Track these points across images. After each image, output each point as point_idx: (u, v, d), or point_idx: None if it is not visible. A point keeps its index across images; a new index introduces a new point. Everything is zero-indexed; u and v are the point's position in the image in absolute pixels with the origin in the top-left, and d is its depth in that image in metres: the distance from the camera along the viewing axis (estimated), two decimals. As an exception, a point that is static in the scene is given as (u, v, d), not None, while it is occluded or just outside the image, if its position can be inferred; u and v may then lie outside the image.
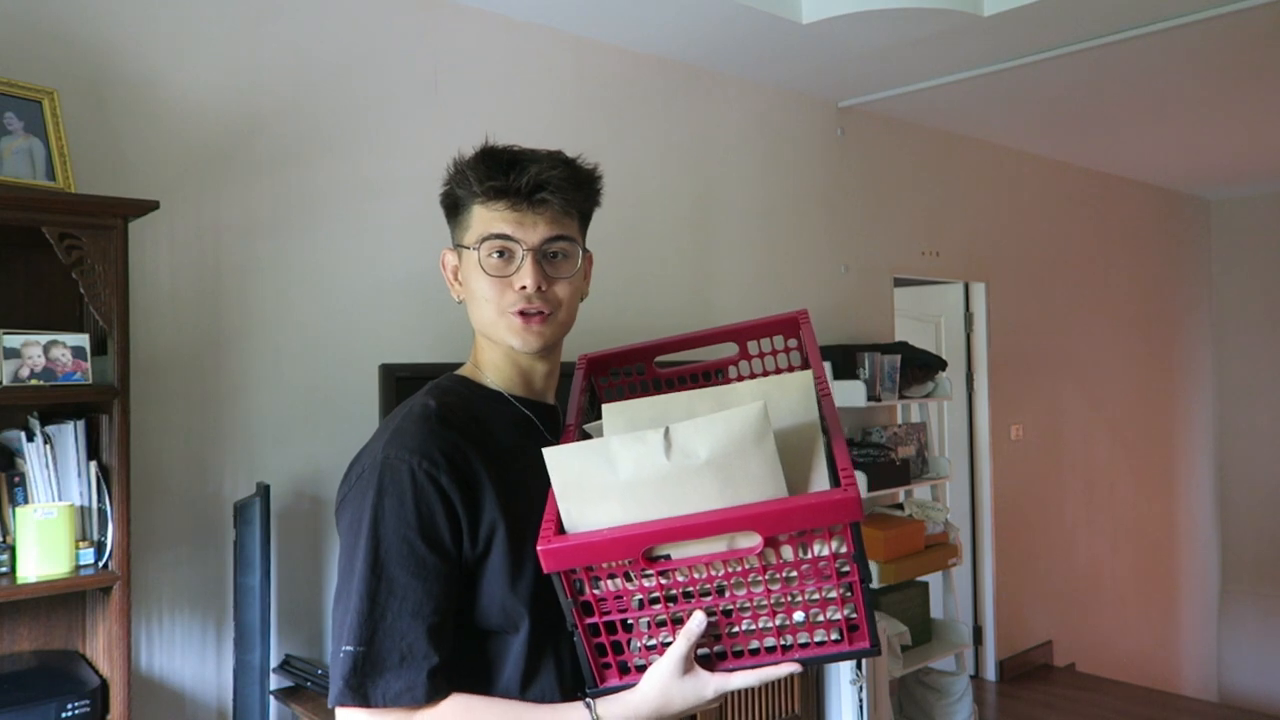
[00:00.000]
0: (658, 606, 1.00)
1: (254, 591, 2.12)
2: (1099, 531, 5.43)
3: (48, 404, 1.94)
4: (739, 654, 1.03)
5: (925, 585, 3.88)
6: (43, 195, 1.84)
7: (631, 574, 0.99)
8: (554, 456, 0.98)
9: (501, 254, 1.12)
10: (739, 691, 1.10)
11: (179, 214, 2.30)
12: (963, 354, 4.76)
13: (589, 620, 1.00)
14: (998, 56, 3.38)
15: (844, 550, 0.98)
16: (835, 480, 1.02)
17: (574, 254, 1.16)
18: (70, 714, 1.80)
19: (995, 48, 3.28)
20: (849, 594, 1.00)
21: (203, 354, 2.35)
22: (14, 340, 1.81)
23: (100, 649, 1.98)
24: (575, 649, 1.09)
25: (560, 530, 0.99)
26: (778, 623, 1.01)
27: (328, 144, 2.56)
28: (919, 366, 3.86)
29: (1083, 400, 5.34)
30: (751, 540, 0.96)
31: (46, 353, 1.83)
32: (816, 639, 1.02)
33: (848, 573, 0.99)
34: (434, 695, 1.00)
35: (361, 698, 0.99)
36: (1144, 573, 5.76)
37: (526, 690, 1.08)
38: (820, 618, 1.00)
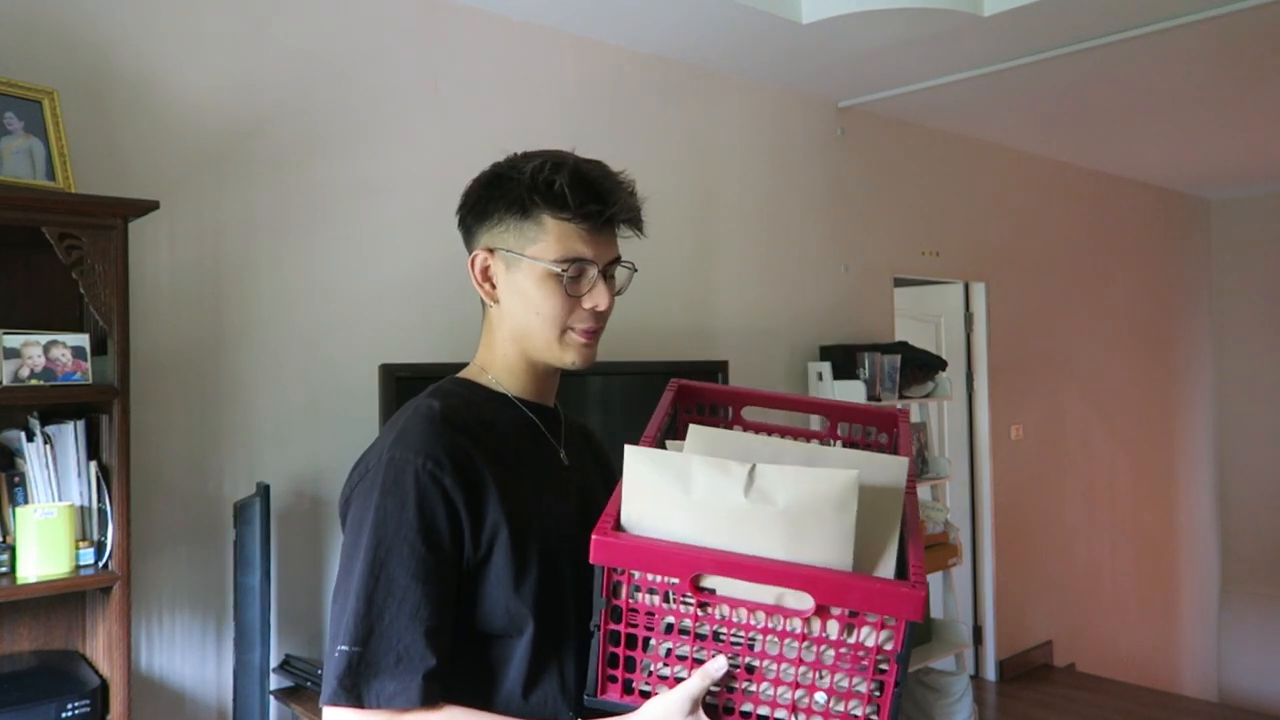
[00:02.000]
0: (685, 639, 0.97)
1: (254, 591, 2.12)
2: (1099, 531, 5.43)
3: (48, 404, 1.94)
4: (746, 716, 0.98)
5: (925, 585, 3.88)
6: (43, 195, 1.84)
7: (672, 595, 0.96)
8: (633, 456, 0.98)
9: (577, 275, 1.12)
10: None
11: (179, 214, 2.30)
12: (963, 354, 4.76)
13: (612, 626, 0.98)
14: (998, 56, 3.37)
15: (890, 647, 0.93)
16: (903, 574, 1.00)
17: (619, 273, 1.19)
18: (70, 714, 1.80)
19: (995, 48, 3.28)
20: (878, 693, 0.95)
21: (203, 354, 2.35)
22: (14, 340, 1.81)
23: (100, 649, 1.98)
24: (579, 655, 1.09)
25: (617, 527, 0.98)
26: (796, 697, 0.96)
27: (328, 144, 2.56)
28: (919, 366, 3.86)
29: (1083, 400, 5.34)
30: (803, 603, 0.93)
31: (46, 353, 1.83)
32: None
33: (885, 671, 0.94)
34: (428, 698, 0.99)
35: (355, 698, 0.99)
36: (1144, 572, 5.76)
37: (529, 695, 1.08)
38: (841, 707, 0.95)
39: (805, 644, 0.94)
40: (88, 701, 1.83)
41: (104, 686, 1.90)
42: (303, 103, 2.52)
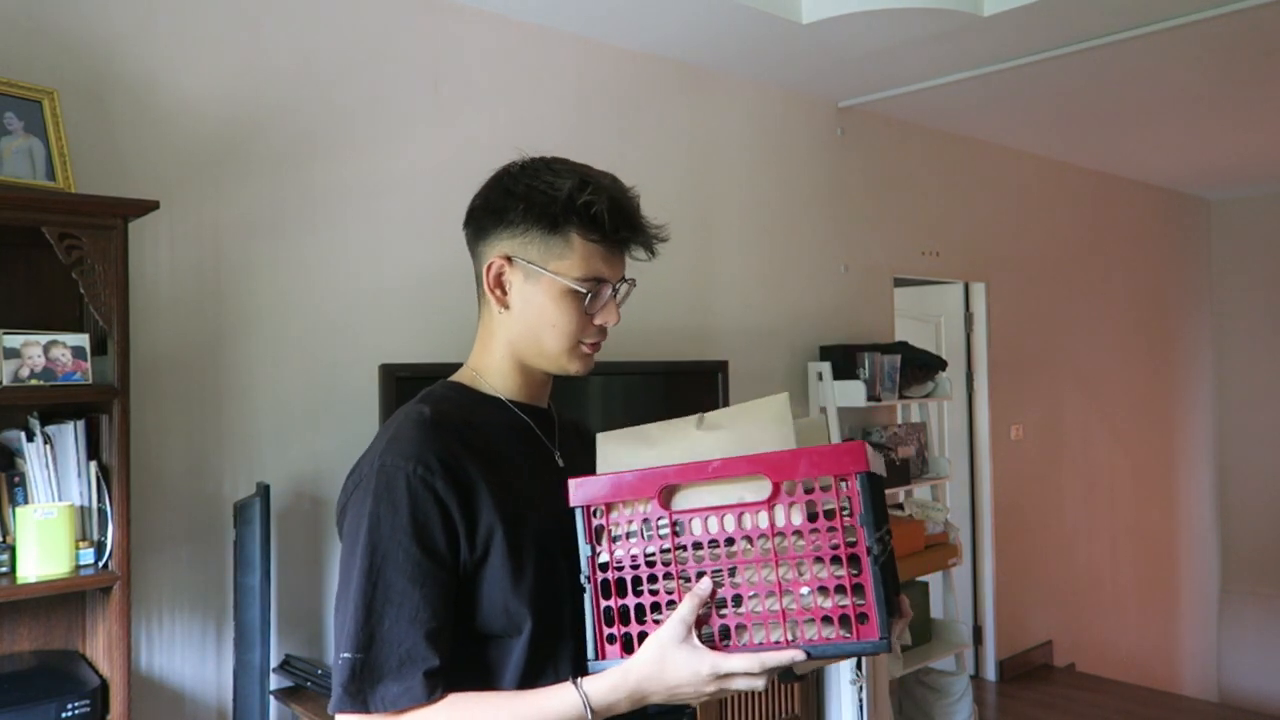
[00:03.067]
0: (671, 582, 1.01)
1: (254, 591, 2.12)
2: (1099, 531, 5.43)
3: (48, 404, 1.94)
4: (741, 635, 1.00)
5: (925, 585, 3.88)
6: (43, 195, 1.84)
7: (649, 523, 1.02)
8: (602, 439, 1.09)
9: (595, 294, 1.15)
10: (739, 694, 1.08)
11: (179, 214, 2.30)
12: (963, 354, 4.76)
13: (602, 577, 1.03)
14: (998, 56, 3.37)
15: (850, 513, 0.97)
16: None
17: (623, 289, 1.22)
18: (70, 714, 1.80)
19: (995, 48, 3.28)
20: (857, 574, 0.96)
21: (203, 354, 2.35)
22: (14, 340, 1.81)
23: (100, 649, 1.98)
24: (577, 656, 1.09)
25: None
26: (784, 604, 0.98)
27: (328, 144, 2.56)
28: (919, 366, 3.86)
29: (1083, 400, 5.34)
30: (761, 491, 0.98)
31: (46, 353, 1.83)
32: (825, 633, 0.97)
33: (855, 544, 0.96)
34: (432, 692, 1.00)
35: (361, 704, 1.00)
36: (1144, 572, 5.76)
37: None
38: (828, 601, 0.97)
39: (776, 539, 0.99)
40: (88, 701, 1.83)
41: (104, 686, 1.90)
42: (303, 103, 2.52)
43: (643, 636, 1.01)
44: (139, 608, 2.20)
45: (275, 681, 2.34)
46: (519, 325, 1.16)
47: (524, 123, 2.94)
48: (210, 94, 2.38)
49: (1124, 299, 5.69)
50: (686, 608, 0.98)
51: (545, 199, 1.12)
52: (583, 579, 1.03)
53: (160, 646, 2.27)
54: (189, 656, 2.31)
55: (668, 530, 1.01)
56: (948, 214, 4.49)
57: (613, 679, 0.99)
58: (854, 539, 0.97)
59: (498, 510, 1.07)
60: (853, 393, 3.58)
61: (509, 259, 1.15)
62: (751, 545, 0.99)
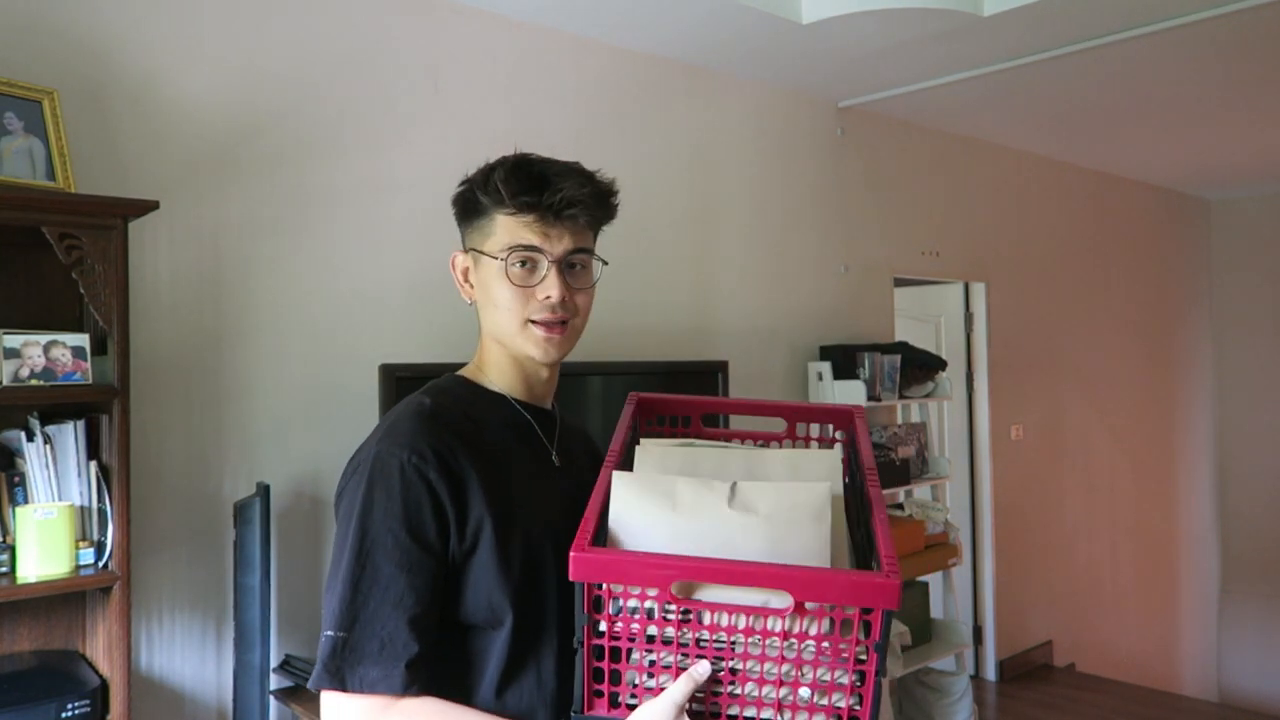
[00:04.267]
0: (668, 648, 0.98)
1: (254, 591, 2.12)
2: (1099, 531, 5.43)
3: (48, 404, 1.94)
4: (734, 718, 0.99)
5: (925, 585, 3.88)
6: (43, 195, 1.84)
7: (654, 608, 0.98)
8: (620, 481, 1.03)
9: (525, 264, 1.14)
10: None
11: (179, 214, 2.30)
12: (963, 354, 4.76)
13: (596, 642, 0.99)
14: (998, 56, 3.37)
15: (867, 638, 0.96)
16: (866, 563, 1.03)
17: (591, 265, 1.19)
18: (70, 714, 1.80)
19: (995, 48, 3.28)
20: (860, 684, 0.97)
21: (203, 354, 2.35)
22: (14, 340, 1.81)
23: (100, 649, 1.98)
24: (560, 655, 1.10)
25: (596, 543, 1.00)
26: (781, 695, 0.98)
27: (328, 144, 2.56)
28: (919, 366, 3.86)
29: (1083, 400, 5.34)
30: (783, 601, 0.94)
31: (46, 353, 1.83)
32: None
33: (864, 662, 0.96)
34: (410, 685, 1.01)
35: (339, 681, 1.01)
36: (1144, 573, 5.76)
37: (505, 690, 1.09)
38: (825, 701, 0.97)
39: (787, 643, 0.96)
40: (88, 701, 1.83)
41: (104, 686, 1.90)
42: (302, 103, 2.52)
43: (632, 707, 0.99)
44: (139, 608, 2.20)
45: (275, 681, 2.34)
46: (483, 314, 1.20)
47: (524, 123, 2.94)
48: (210, 94, 2.38)
49: (1124, 299, 5.69)
50: (680, 690, 0.96)
51: (472, 185, 1.17)
52: (575, 641, 1.00)
53: (160, 646, 2.27)
54: (189, 656, 2.31)
55: (674, 616, 0.98)
56: (948, 214, 4.49)
57: None
58: (863, 656, 0.96)
59: (489, 504, 1.08)
60: (853, 393, 3.57)
61: (466, 252, 1.20)
62: (761, 641, 0.97)
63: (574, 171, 1.16)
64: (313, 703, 2.27)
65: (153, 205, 1.94)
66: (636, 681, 1.01)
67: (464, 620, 1.09)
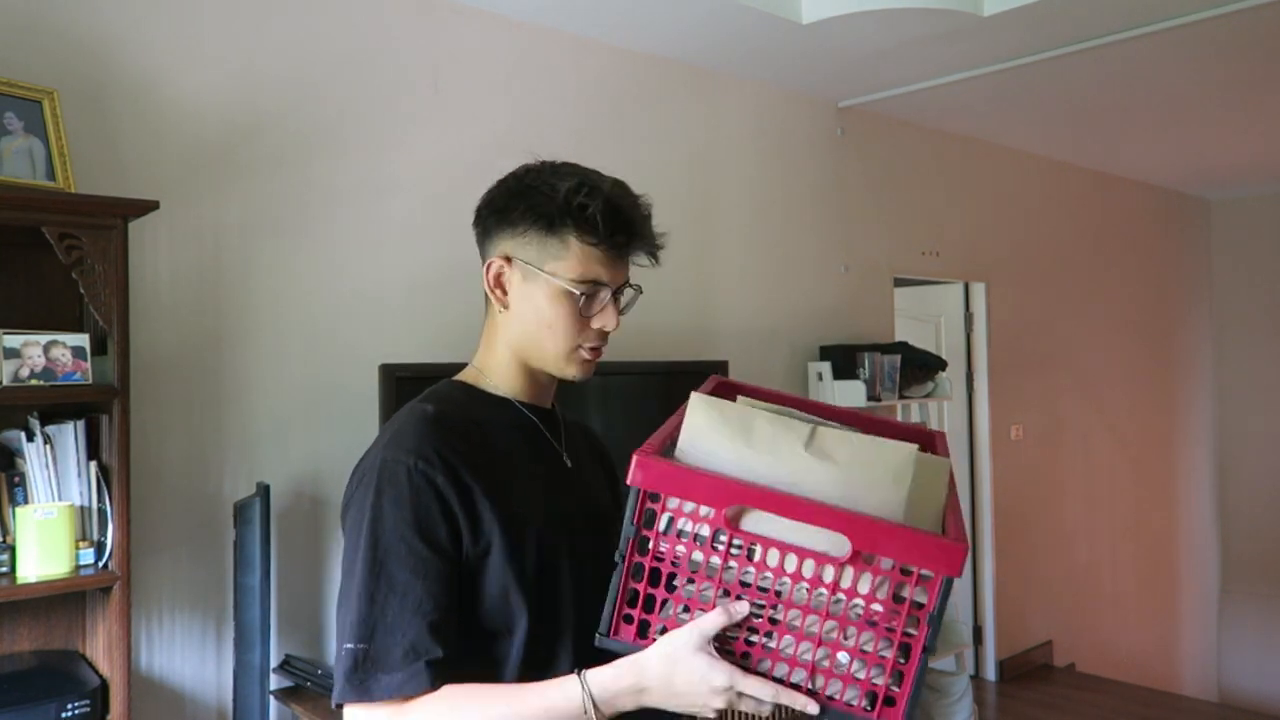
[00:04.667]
0: (711, 582, 0.95)
1: (254, 591, 2.12)
2: (1099, 531, 5.43)
3: (48, 404, 1.94)
4: (763, 674, 0.95)
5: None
6: (43, 195, 1.84)
7: (705, 532, 0.94)
8: (697, 402, 1.01)
9: (592, 296, 1.14)
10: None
11: (179, 214, 2.30)
12: (963, 354, 4.76)
13: (638, 559, 0.96)
14: (998, 56, 3.37)
15: (923, 605, 0.91)
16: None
17: (627, 294, 1.20)
18: (70, 714, 1.80)
19: (995, 48, 3.28)
20: (903, 662, 0.92)
21: (203, 354, 2.35)
22: (14, 340, 1.81)
23: (100, 649, 1.98)
24: (576, 656, 1.08)
25: (663, 454, 0.97)
26: (817, 658, 0.93)
27: (328, 144, 2.56)
28: (919, 366, 3.86)
29: (1083, 400, 5.34)
30: (840, 548, 0.90)
31: (46, 353, 1.83)
32: (847, 697, 0.93)
33: (913, 636, 0.91)
34: (435, 683, 1.00)
35: (364, 693, 1.00)
36: (1144, 572, 5.76)
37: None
38: (862, 674, 0.92)
39: (834, 598, 0.91)
40: (88, 701, 1.83)
41: (104, 686, 1.90)
42: (302, 103, 2.52)
43: (662, 630, 0.97)
44: (139, 608, 2.20)
45: (275, 681, 2.34)
46: (518, 326, 1.17)
47: (524, 123, 2.94)
48: (210, 94, 2.37)
49: (1124, 299, 5.69)
50: (711, 622, 0.94)
51: (544, 199, 1.12)
52: (617, 555, 0.97)
53: (160, 646, 2.27)
54: (189, 656, 2.31)
55: (725, 544, 0.94)
56: (948, 214, 4.49)
57: (618, 669, 0.97)
58: (913, 630, 0.92)
59: (498, 509, 1.07)
60: (853, 393, 3.57)
61: (508, 259, 1.16)
62: (808, 592, 0.93)
63: (647, 214, 1.17)
64: (312, 703, 2.27)
65: (153, 205, 1.94)
66: (672, 612, 0.97)
67: (479, 625, 1.08)
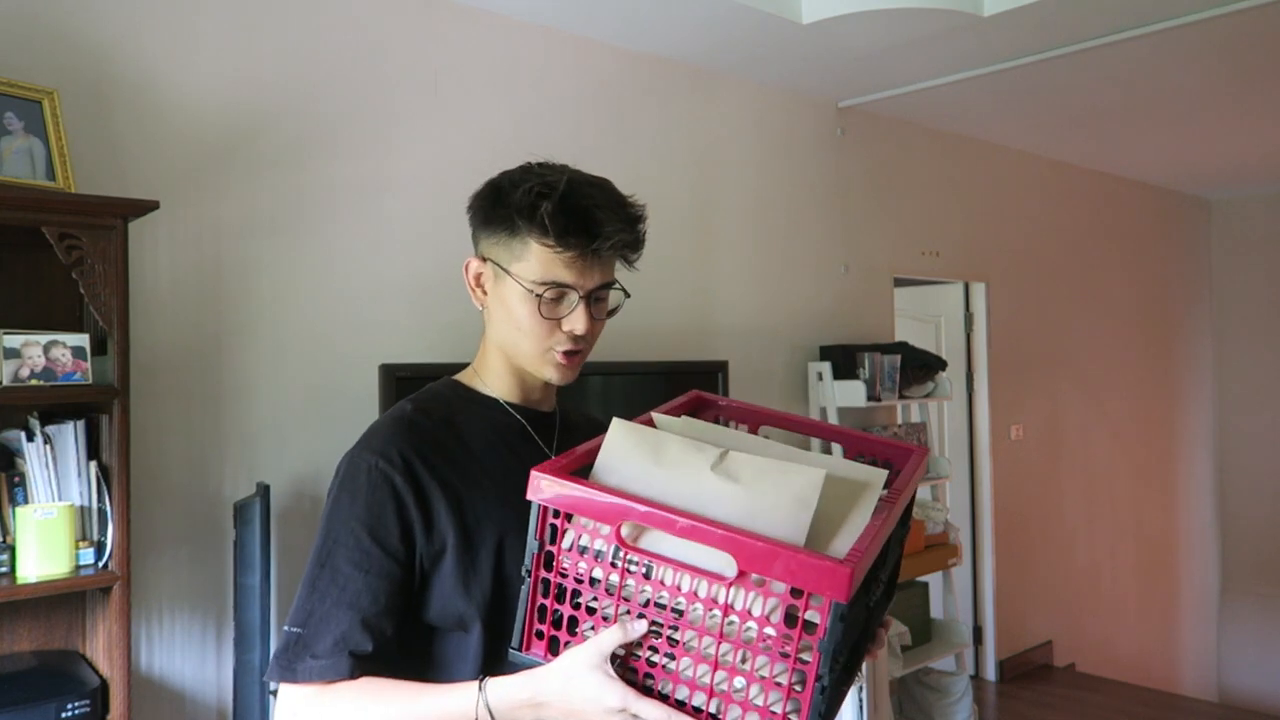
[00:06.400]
0: (612, 599, 0.94)
1: (254, 591, 2.12)
2: (1099, 531, 5.43)
3: (48, 404, 1.94)
4: (665, 697, 0.93)
5: (925, 585, 3.88)
6: (43, 195, 1.84)
7: (603, 551, 0.94)
8: (615, 427, 1.02)
9: (557, 298, 1.13)
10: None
11: (179, 214, 2.30)
12: (963, 354, 4.76)
13: (544, 574, 0.97)
14: (998, 56, 3.37)
15: (815, 632, 0.86)
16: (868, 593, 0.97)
17: (609, 295, 1.18)
18: (70, 714, 1.80)
19: (995, 48, 3.28)
20: (800, 688, 0.87)
21: (203, 354, 2.35)
22: (14, 340, 1.81)
23: (100, 649, 1.98)
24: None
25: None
26: (717, 680, 0.90)
27: (328, 144, 2.56)
28: (919, 366, 3.86)
29: (1083, 400, 5.34)
30: (728, 569, 0.88)
31: (46, 353, 1.83)
32: None
33: (807, 662, 0.86)
34: (354, 673, 1.03)
35: (290, 674, 1.04)
36: (1144, 572, 5.76)
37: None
38: (761, 700, 0.88)
39: (728, 619, 0.89)
40: (88, 701, 1.83)
41: (104, 686, 1.90)
42: (302, 103, 2.52)
43: (568, 646, 0.96)
44: (139, 608, 2.20)
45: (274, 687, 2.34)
46: (496, 325, 1.18)
47: (524, 123, 2.94)
48: (210, 94, 2.37)
49: (1124, 299, 5.69)
50: (608, 640, 0.92)
51: (506, 200, 1.12)
52: (523, 570, 0.98)
53: (160, 646, 2.27)
54: (189, 656, 2.31)
55: (620, 562, 0.93)
56: (948, 214, 4.49)
57: (519, 681, 0.97)
58: (806, 655, 0.87)
59: (456, 512, 1.09)
60: (853, 393, 3.58)
61: (484, 259, 1.17)
62: (704, 613, 0.90)
63: (617, 208, 1.12)
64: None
65: (153, 205, 1.94)
66: (578, 629, 0.96)
67: (432, 622, 1.10)
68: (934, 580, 3.93)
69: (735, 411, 1.30)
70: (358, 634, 1.03)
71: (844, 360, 3.66)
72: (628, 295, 1.20)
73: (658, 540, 0.92)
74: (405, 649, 1.08)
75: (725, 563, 0.88)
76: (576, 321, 1.13)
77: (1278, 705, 5.85)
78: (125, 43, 2.26)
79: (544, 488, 0.95)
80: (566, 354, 1.15)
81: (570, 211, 1.09)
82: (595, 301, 1.16)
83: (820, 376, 3.69)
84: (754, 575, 0.87)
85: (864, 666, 3.15)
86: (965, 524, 4.67)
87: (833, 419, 3.66)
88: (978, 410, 4.76)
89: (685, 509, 0.92)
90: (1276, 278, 6.25)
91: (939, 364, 3.93)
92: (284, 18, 2.50)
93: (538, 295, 1.11)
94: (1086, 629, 5.23)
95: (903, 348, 3.87)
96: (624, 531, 0.93)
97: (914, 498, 1.24)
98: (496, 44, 2.90)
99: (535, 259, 1.11)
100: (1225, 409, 6.49)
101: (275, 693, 1.08)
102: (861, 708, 3.07)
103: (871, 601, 1.09)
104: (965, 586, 4.64)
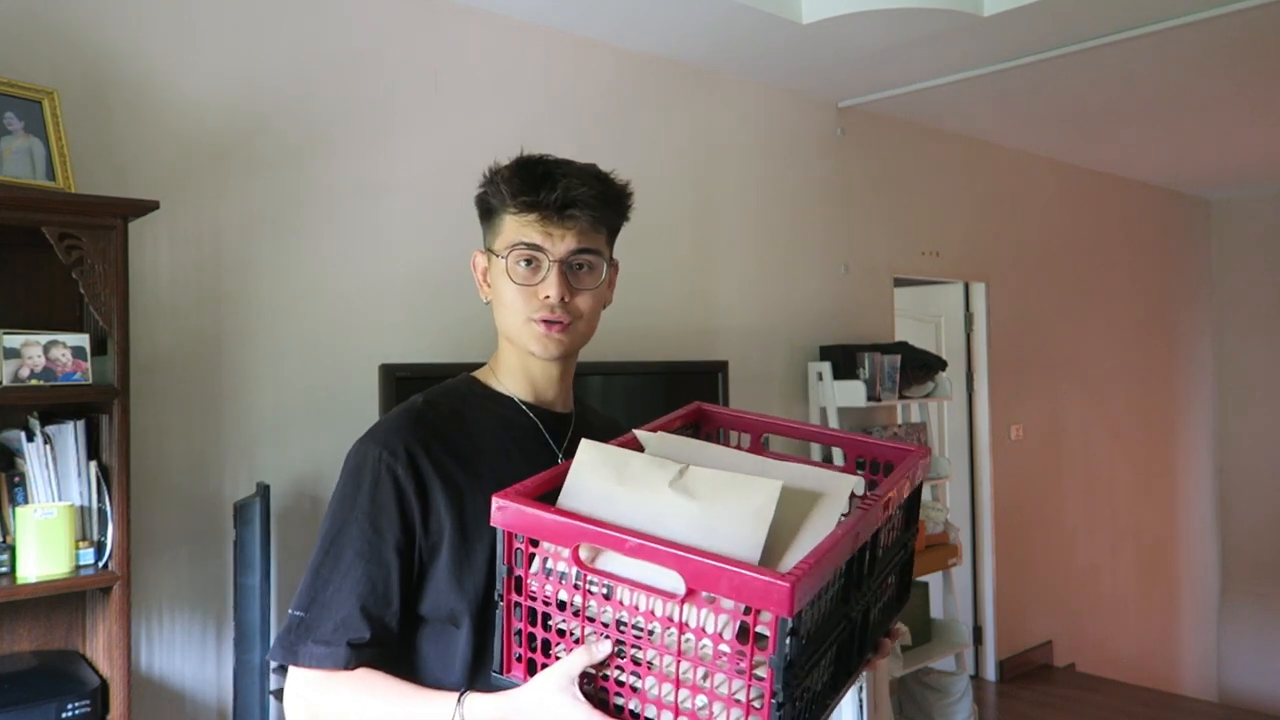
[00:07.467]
0: (578, 620, 0.95)
1: (254, 591, 2.12)
2: (1099, 531, 5.43)
3: (48, 404, 1.94)
4: (635, 715, 0.93)
5: (925, 585, 3.89)
6: (43, 195, 1.84)
7: (566, 573, 0.95)
8: (583, 448, 1.03)
9: (529, 263, 1.14)
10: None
11: (179, 214, 2.30)
12: (963, 354, 4.76)
13: (515, 599, 0.98)
14: (998, 56, 3.37)
15: (767, 647, 0.85)
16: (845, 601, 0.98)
17: (599, 266, 1.18)
18: (70, 714, 1.80)
19: (995, 48, 3.28)
20: (759, 704, 0.86)
21: (203, 354, 2.35)
22: (14, 340, 1.81)
23: (100, 649, 1.98)
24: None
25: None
26: (680, 698, 0.90)
27: (328, 144, 2.56)
28: (919, 366, 3.86)
29: (1083, 400, 5.34)
30: (677, 587, 0.88)
31: (46, 353, 1.83)
32: None
33: (763, 679, 0.86)
34: (351, 663, 1.06)
35: (292, 656, 1.07)
36: (1144, 572, 5.76)
37: (475, 679, 1.10)
38: (723, 717, 0.88)
39: (684, 636, 0.89)
40: (88, 701, 1.83)
41: (104, 686, 1.90)
42: (303, 103, 2.52)
43: (545, 668, 0.97)
44: (139, 608, 2.20)
45: (275, 681, 2.34)
46: (495, 312, 1.21)
47: (524, 123, 2.94)
48: (210, 94, 2.37)
49: (1124, 299, 5.69)
50: (574, 661, 0.93)
51: (481, 186, 1.19)
52: (496, 595, 0.99)
53: (160, 646, 2.27)
54: (189, 656, 2.31)
55: (581, 585, 0.94)
56: (948, 214, 4.49)
57: (495, 700, 0.99)
58: (760, 672, 0.86)
59: (455, 507, 1.11)
60: (853, 393, 3.58)
61: (483, 251, 1.22)
62: (662, 631, 0.91)
63: (579, 172, 1.15)
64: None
65: (153, 205, 1.94)
66: (552, 651, 0.97)
67: (425, 613, 1.12)
68: (934, 580, 3.93)
69: (736, 421, 1.30)
70: (357, 621, 1.06)
71: (844, 360, 3.66)
72: (614, 262, 1.21)
73: (612, 561, 0.93)
74: (400, 638, 1.11)
75: (676, 581, 0.89)
76: (549, 287, 1.14)
77: (1278, 705, 5.85)
78: (125, 43, 2.26)
79: (503, 512, 0.96)
80: (546, 322, 1.15)
81: (525, 171, 1.14)
82: (576, 270, 1.16)
83: (820, 376, 3.69)
84: (704, 593, 0.87)
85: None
86: (965, 524, 4.67)
87: (833, 419, 3.66)
88: (978, 410, 4.76)
89: (643, 527, 0.93)
90: (1276, 277, 6.24)
91: (939, 364, 3.93)
92: (284, 18, 2.50)
93: (507, 258, 1.14)
94: (1086, 629, 5.23)
95: (903, 348, 3.87)
96: (581, 553, 0.93)
97: (919, 498, 1.24)
98: (496, 44, 2.90)
99: (507, 228, 1.16)
100: (1225, 409, 6.49)
101: (278, 670, 1.11)
102: (861, 708, 3.07)
103: (869, 609, 1.09)
104: (965, 586, 4.64)
